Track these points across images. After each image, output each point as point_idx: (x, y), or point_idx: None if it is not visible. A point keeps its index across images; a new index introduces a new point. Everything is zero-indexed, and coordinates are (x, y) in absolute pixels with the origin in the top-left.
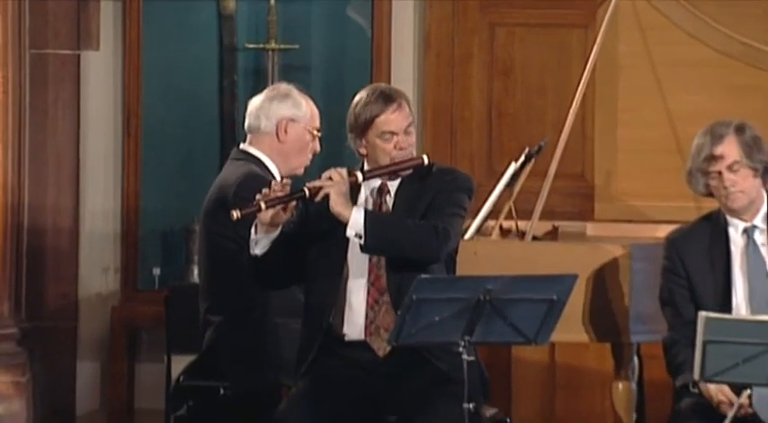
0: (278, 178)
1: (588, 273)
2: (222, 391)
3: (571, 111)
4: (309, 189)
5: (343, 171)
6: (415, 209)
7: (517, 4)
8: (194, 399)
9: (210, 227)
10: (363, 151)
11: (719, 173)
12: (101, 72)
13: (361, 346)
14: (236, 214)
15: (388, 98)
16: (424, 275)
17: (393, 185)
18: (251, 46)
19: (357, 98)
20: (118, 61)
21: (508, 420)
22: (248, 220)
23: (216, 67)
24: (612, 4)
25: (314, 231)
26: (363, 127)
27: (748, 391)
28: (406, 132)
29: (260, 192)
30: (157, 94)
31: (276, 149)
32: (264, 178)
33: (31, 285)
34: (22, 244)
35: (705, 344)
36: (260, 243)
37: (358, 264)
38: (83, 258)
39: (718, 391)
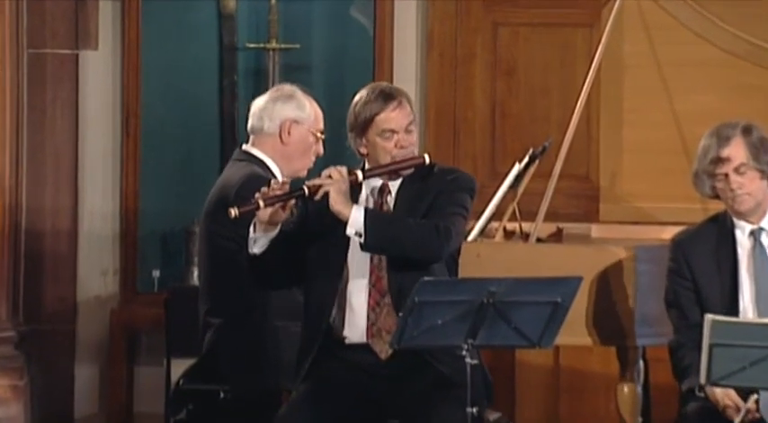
0: (279, 179)
1: (593, 275)
2: (222, 395)
3: (576, 111)
4: (309, 187)
5: (343, 169)
6: (417, 209)
7: (521, 4)
8: (194, 402)
9: (211, 228)
10: (364, 151)
11: (726, 175)
12: (99, 72)
13: (363, 348)
14: (233, 212)
15: (389, 96)
16: (426, 278)
17: (394, 185)
18: (251, 45)
19: (357, 97)
20: (117, 61)
21: None
22: (247, 220)
23: (216, 67)
24: (618, 3)
25: (314, 230)
26: (364, 126)
27: (755, 396)
28: (407, 131)
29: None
30: (157, 94)
31: (279, 151)
32: (267, 179)
33: (28, 288)
34: (20, 246)
35: (711, 347)
36: (258, 242)
37: (359, 265)
38: (81, 260)
39: (725, 396)
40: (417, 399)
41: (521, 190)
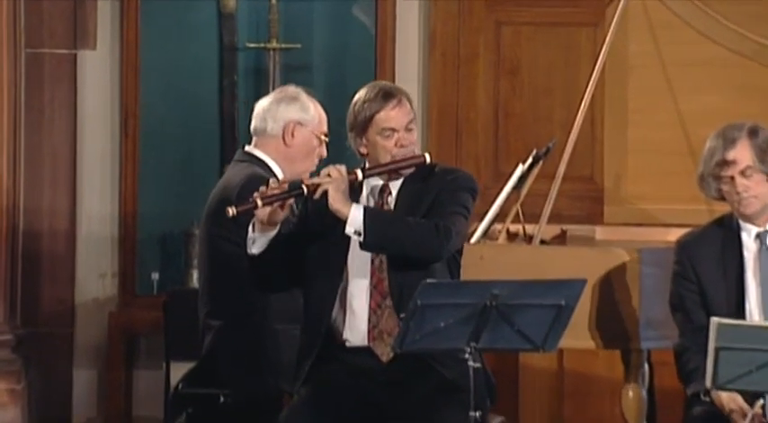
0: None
1: (597, 277)
2: (222, 399)
3: (580, 111)
4: (307, 186)
5: (342, 168)
6: (417, 209)
7: (524, 3)
8: (194, 406)
9: (212, 229)
10: (364, 150)
11: (732, 178)
12: (98, 72)
13: (364, 351)
14: (231, 211)
15: (388, 95)
16: (429, 280)
17: (395, 186)
18: (252, 45)
19: (356, 96)
20: (115, 61)
21: None
22: (248, 221)
23: (216, 67)
24: (622, 2)
25: (314, 230)
26: (363, 125)
27: (761, 401)
28: (407, 129)
29: None
30: (156, 94)
31: (282, 153)
32: (268, 180)
33: (26, 290)
34: (18, 248)
35: (717, 350)
36: (257, 242)
37: (359, 266)
38: (79, 263)
39: (730, 400)
40: (419, 402)
41: (524, 191)
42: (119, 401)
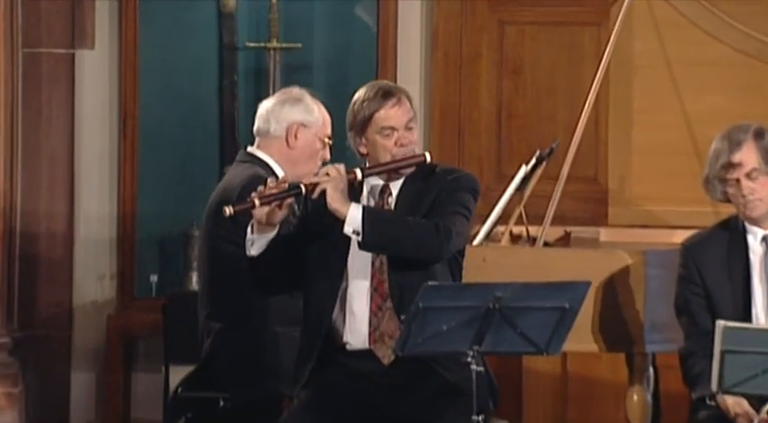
0: None
1: (601, 280)
2: (222, 403)
3: (584, 112)
4: (305, 185)
5: (341, 167)
6: (418, 209)
7: (527, 2)
8: (193, 410)
9: (213, 230)
10: (364, 150)
11: (737, 180)
12: (96, 72)
13: (365, 355)
14: (228, 210)
15: (388, 93)
16: (431, 283)
17: (395, 186)
18: (252, 45)
19: (356, 96)
20: (114, 60)
21: None
22: (248, 221)
23: (215, 67)
24: (627, 1)
25: (314, 230)
26: (363, 124)
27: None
28: (407, 128)
29: None
30: (155, 94)
31: (285, 154)
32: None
33: (23, 293)
34: (15, 250)
35: (723, 354)
36: (256, 243)
37: (360, 268)
38: (77, 265)
39: (736, 405)
40: (421, 406)
41: (527, 193)
42: (117, 405)
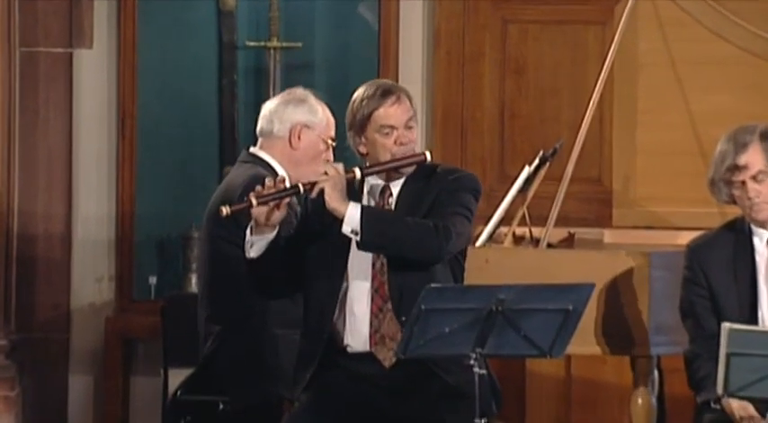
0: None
1: (606, 282)
2: (221, 406)
3: (588, 112)
4: (303, 185)
5: (339, 166)
6: (418, 209)
7: (531, 1)
8: (192, 414)
9: (214, 231)
10: (363, 150)
11: (743, 183)
12: (94, 71)
13: (366, 357)
14: (225, 210)
15: (387, 92)
16: (433, 285)
17: (396, 186)
18: (251, 44)
19: (355, 94)
20: (112, 60)
21: None
22: (248, 222)
23: (215, 66)
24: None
25: (314, 231)
26: (362, 123)
27: None
28: (407, 127)
29: None
30: (153, 94)
31: (287, 155)
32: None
33: (21, 295)
34: (12, 252)
35: (729, 356)
36: (255, 245)
37: (360, 269)
38: (75, 267)
39: (741, 409)
40: (423, 409)
41: (531, 193)
42: (115, 409)
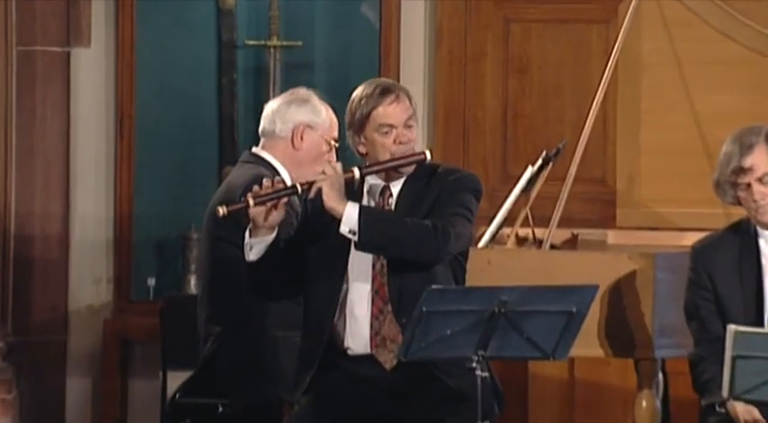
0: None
1: (609, 283)
2: (221, 409)
3: (591, 111)
4: (301, 184)
5: (338, 165)
6: (418, 209)
7: None
8: (191, 417)
9: (214, 231)
10: (363, 149)
11: (748, 185)
12: (92, 70)
13: (367, 360)
14: (222, 210)
15: (386, 90)
16: (434, 286)
17: (395, 186)
18: (251, 43)
19: (354, 93)
20: (110, 59)
21: None
22: (246, 222)
23: (214, 66)
24: None
25: (314, 232)
26: (361, 122)
27: None
28: (406, 126)
29: None
30: (152, 93)
31: (289, 156)
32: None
33: (17, 296)
34: (9, 253)
35: (734, 359)
36: (255, 248)
37: (360, 270)
38: (73, 268)
39: (746, 412)
40: (424, 412)
41: (534, 194)
42: (113, 411)
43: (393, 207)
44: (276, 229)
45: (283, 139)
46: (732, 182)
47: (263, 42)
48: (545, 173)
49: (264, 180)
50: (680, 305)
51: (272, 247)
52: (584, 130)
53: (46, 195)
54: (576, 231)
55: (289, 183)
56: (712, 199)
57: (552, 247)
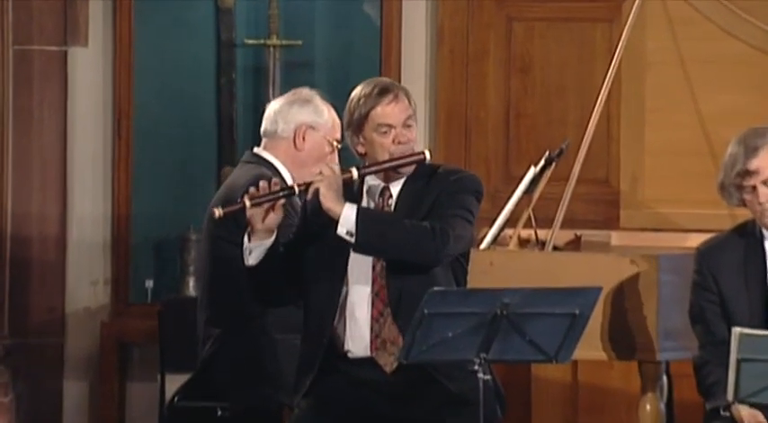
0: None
1: (613, 285)
2: (220, 413)
3: (595, 111)
4: (298, 185)
5: (335, 166)
6: (418, 210)
7: None
8: (190, 420)
9: (214, 231)
10: (361, 150)
11: (754, 187)
12: (89, 70)
13: (367, 363)
14: (217, 212)
15: (384, 90)
16: (436, 288)
17: (395, 186)
18: (250, 42)
19: (353, 93)
20: (108, 58)
21: None
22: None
23: (213, 65)
24: None
25: (313, 235)
26: (359, 122)
27: None
28: (405, 125)
29: None
30: (150, 93)
31: (291, 156)
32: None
33: (14, 298)
34: (5, 254)
35: (739, 362)
36: (254, 252)
37: (360, 273)
38: (70, 269)
39: (751, 416)
40: (425, 415)
41: (536, 195)
42: (111, 415)
43: (393, 208)
44: (275, 232)
45: (285, 139)
46: (737, 184)
47: (262, 41)
48: (548, 173)
49: (261, 182)
50: (684, 307)
51: (271, 252)
52: (588, 130)
53: (43, 196)
54: (579, 232)
55: (290, 183)
56: (717, 200)
57: (555, 248)
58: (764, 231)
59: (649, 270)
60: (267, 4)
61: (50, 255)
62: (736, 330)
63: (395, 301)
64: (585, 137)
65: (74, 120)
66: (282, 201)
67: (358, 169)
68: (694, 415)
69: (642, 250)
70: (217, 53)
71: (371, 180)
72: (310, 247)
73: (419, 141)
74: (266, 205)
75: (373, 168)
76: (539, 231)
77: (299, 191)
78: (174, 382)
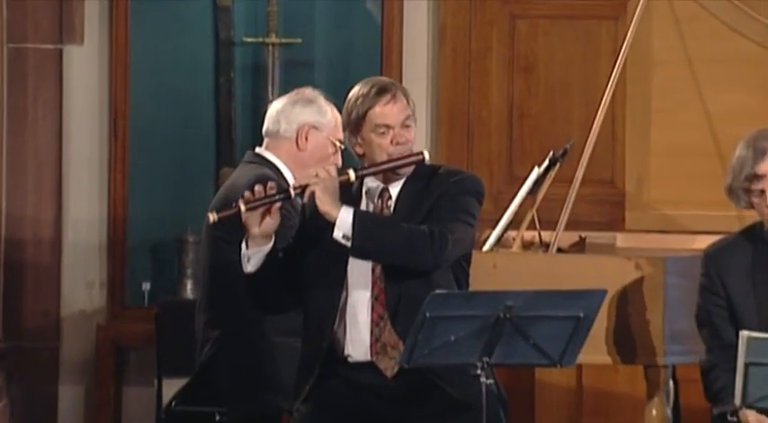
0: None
1: (618, 288)
2: (218, 418)
3: (599, 111)
4: (294, 188)
5: (332, 168)
6: (417, 212)
7: None
8: None
9: (216, 233)
10: (360, 150)
11: (762, 191)
12: (85, 69)
13: (367, 367)
14: (212, 217)
15: (382, 89)
16: (438, 291)
17: (394, 188)
18: (249, 40)
19: (350, 93)
20: (104, 57)
21: None
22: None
23: (211, 64)
24: None
25: (312, 238)
26: (357, 122)
27: None
28: (404, 126)
29: None
30: (147, 92)
31: (293, 156)
32: (277, 183)
33: (9, 302)
34: (0, 257)
35: (747, 366)
36: (252, 259)
37: (360, 276)
38: (65, 272)
39: (759, 422)
40: (427, 420)
41: (540, 196)
42: (107, 420)
43: (392, 209)
44: (273, 237)
45: (288, 139)
46: (745, 188)
47: (261, 39)
48: (552, 174)
49: (256, 185)
50: (691, 310)
51: (269, 258)
52: (593, 130)
53: (38, 197)
54: (583, 234)
55: (292, 184)
56: (724, 201)
57: (559, 250)
58: None
59: (655, 273)
60: (266, 1)
61: (45, 257)
62: (744, 334)
63: (393, 305)
64: (590, 137)
65: (69, 119)
66: (278, 205)
67: (355, 171)
68: (701, 420)
69: (648, 252)
70: (215, 52)
71: (370, 181)
72: (309, 250)
73: (421, 141)
74: (261, 209)
75: (371, 170)
76: (543, 233)
77: (295, 194)
78: (171, 387)
